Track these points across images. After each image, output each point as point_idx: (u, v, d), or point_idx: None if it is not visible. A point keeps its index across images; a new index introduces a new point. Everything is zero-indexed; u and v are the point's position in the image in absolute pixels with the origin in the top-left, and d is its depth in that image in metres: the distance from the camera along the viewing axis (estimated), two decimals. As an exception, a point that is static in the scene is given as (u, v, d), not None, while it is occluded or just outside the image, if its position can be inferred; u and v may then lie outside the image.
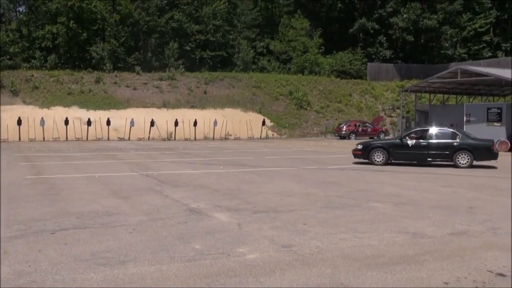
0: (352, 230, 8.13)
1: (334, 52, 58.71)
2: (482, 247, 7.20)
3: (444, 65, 52.73)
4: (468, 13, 58.68)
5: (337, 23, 62.30)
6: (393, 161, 19.58)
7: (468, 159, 18.56)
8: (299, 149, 29.07)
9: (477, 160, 18.74)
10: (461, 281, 5.76)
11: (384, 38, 59.66)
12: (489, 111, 28.20)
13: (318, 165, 19.02)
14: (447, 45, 60.73)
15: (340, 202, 10.84)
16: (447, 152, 18.83)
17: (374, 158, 19.41)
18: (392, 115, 49.58)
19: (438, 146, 18.96)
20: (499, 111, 27.78)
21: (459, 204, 10.69)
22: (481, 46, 60.54)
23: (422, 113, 33.83)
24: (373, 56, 59.47)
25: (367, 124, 42.35)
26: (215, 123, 40.16)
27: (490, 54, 59.38)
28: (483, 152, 18.76)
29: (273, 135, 43.03)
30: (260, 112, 45.16)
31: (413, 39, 59.02)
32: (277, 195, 11.64)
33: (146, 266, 6.26)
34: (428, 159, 19.21)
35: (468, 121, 29.02)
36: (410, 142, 19.22)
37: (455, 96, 38.93)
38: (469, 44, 61.46)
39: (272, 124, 44.42)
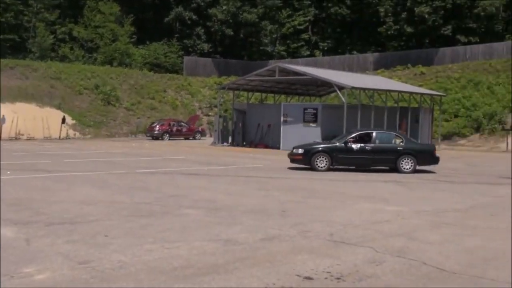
0: (160, 240, 8.21)
1: (148, 42, 58.49)
2: (292, 252, 7.80)
3: (264, 62, 55.74)
4: (287, 9, 62.85)
5: (151, 10, 62.11)
6: (336, 166, 19.79)
7: (412, 164, 19.52)
8: (106, 151, 28.41)
9: (420, 164, 19.74)
10: (269, 288, 6.18)
11: (202, 30, 61.07)
12: (305, 111, 30.53)
13: (126, 169, 18.80)
14: (266, 41, 64.30)
15: (148, 209, 10.87)
16: (391, 157, 19.64)
17: (316, 164, 19.46)
18: (210, 113, 50.95)
19: (382, 151, 19.69)
20: (315, 111, 30.23)
21: (272, 208, 11.42)
22: (300, 44, 65.29)
23: (240, 112, 35.35)
24: (190, 49, 60.49)
25: (182, 123, 42.97)
26: (3, 119, 37.34)
27: (308, 52, 64.33)
28: (425, 157, 19.96)
29: (75, 134, 41.36)
30: (59, 108, 43.06)
31: (232, 33, 61.34)
32: (76, 204, 11.27)
33: None
34: (373, 164, 19.95)
35: (285, 121, 31.09)
36: (355, 146, 19.61)
37: (273, 95, 41.39)
38: (288, 42, 65.84)
39: (74, 122, 42.66)
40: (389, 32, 53.68)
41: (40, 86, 45.08)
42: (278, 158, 25.26)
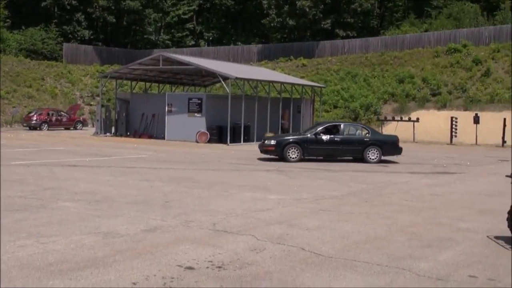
0: (35, 235, 7.86)
1: (23, 27, 55.28)
2: (174, 242, 7.76)
3: (148, 51, 54.78)
4: (172, -3, 62.17)
5: (26, -7, 58.77)
6: (307, 157, 20.12)
7: (378, 154, 20.25)
8: (-23, 141, 26.60)
9: (384, 155, 20.50)
10: (150, 279, 6.11)
11: (83, 16, 58.76)
12: (190, 101, 30.40)
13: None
14: (150, 29, 63.21)
15: (23, 203, 10.34)
16: (359, 148, 20.25)
17: (289, 155, 19.80)
18: (92, 103, 49.29)
19: (350, 142, 20.26)
20: (199, 101, 30.19)
21: (155, 199, 11.30)
22: (185, 33, 64.89)
23: (123, 101, 34.49)
24: (70, 36, 58.02)
25: (62, 113, 41.26)
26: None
27: (193, 42, 64.09)
28: (390, 147, 20.69)
29: None
30: None
31: (115, 20, 59.64)
32: None
33: None
34: (341, 154, 20.41)
35: (170, 111, 30.79)
36: (325, 137, 20.02)
37: (158, 84, 40.82)
38: (173, 31, 65.17)
39: None
40: (272, 24, 54.72)
41: None
42: (163, 149, 25.01)
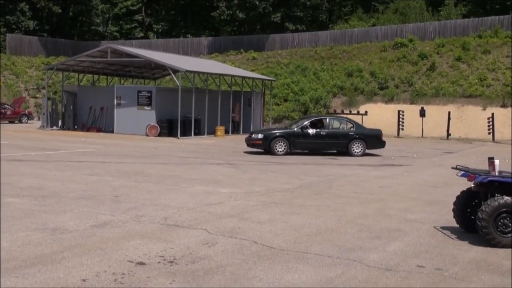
0: (-22, 232, 7.59)
1: (-37, 17, 53.36)
2: (124, 237, 7.65)
3: (96, 43, 53.75)
4: (119, -12, 61.06)
5: (-34, -18, 56.63)
6: (293, 150, 20.41)
7: (362, 148, 20.64)
8: None
9: (369, 148, 20.87)
10: (100, 276, 6.00)
11: (27, 7, 57.05)
12: (139, 94, 29.99)
13: None
14: (98, 21, 61.95)
15: (-35, 199, 9.98)
16: (344, 141, 20.59)
17: (276, 148, 20.09)
18: (37, 95, 47.99)
19: (336, 135, 20.58)
20: (149, 94, 29.82)
21: (105, 193, 11.10)
22: (133, 25, 63.87)
23: (70, 94, 33.71)
24: (13, 26, 56.24)
25: (7, 106, 40.04)
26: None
27: (142, 34, 63.17)
28: (374, 141, 21.10)
29: None
30: None
31: (60, 10, 58.19)
32: None
33: None
34: (327, 148, 20.68)
35: (118, 104, 30.30)
36: (311, 131, 20.30)
37: (106, 77, 40.08)
38: (121, 22, 64.05)
39: None
40: (222, 17, 54.48)
41: None
42: (112, 142, 24.61)
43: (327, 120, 21.57)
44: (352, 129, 21.32)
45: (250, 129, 34.33)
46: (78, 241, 7.36)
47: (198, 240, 7.60)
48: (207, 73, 33.27)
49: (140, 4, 63.61)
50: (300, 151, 21.25)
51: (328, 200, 11.13)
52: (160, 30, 63.46)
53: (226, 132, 31.99)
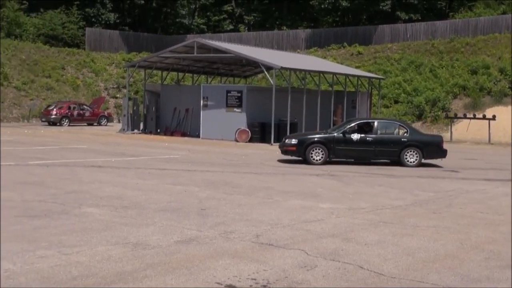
0: (56, 245, 8.01)
1: (42, 10, 56.59)
2: (212, 256, 7.79)
3: (181, 37, 55.30)
4: (207, -24, 62.62)
5: (45, -28, 60.19)
6: (333, 159, 20.23)
7: (417, 157, 20.23)
8: (-9, 138, 27.37)
9: (426, 158, 20.50)
10: (186, 298, 6.15)
11: (108, -2, 59.80)
12: (228, 94, 30.52)
13: (16, 161, 18.17)
14: (183, 12, 63.76)
15: (43, 208, 10.57)
16: (395, 149, 20.28)
17: (312, 156, 19.89)
18: (117, 95, 50.11)
19: (385, 142, 20.31)
20: (239, 94, 30.27)
21: (190, 205, 11.38)
22: (222, 17, 65.20)
23: (153, 94, 34.90)
24: (93, 20, 59.05)
25: (85, 106, 42.03)
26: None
27: (232, 27, 64.35)
28: (433, 149, 20.71)
29: (-47, 118, 39.60)
30: None
31: (143, 2, 60.44)
32: (-46, 203, 10.79)
33: None
34: (374, 156, 20.52)
35: (205, 105, 30.99)
36: (356, 137, 20.10)
37: (191, 75, 41.15)
38: (208, 14, 65.58)
39: (-48, 103, 40.84)
40: (322, 6, 54.46)
41: None
42: (197, 148, 25.21)
43: (375, 123, 21.03)
44: (405, 134, 20.81)
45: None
46: (162, 258, 7.58)
47: (295, 262, 7.61)
48: (305, 70, 33.31)
49: (229, -7, 64.88)
50: (344, 159, 20.77)
51: (448, 221, 10.81)
52: (252, 22, 64.36)
53: (326, 138, 31.84)
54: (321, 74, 34.16)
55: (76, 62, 52.09)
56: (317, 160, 20.02)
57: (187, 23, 64.73)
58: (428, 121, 38.11)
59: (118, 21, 60.41)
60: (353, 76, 36.86)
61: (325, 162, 20.06)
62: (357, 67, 43.82)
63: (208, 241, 8.57)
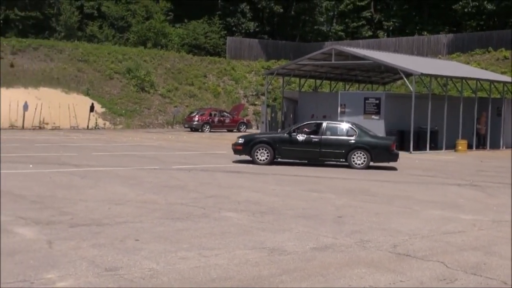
0: (196, 247, 8.28)
1: (186, 20, 59.01)
2: (348, 264, 7.74)
3: (319, 44, 55.53)
4: (346, -18, 62.42)
5: (190, -16, 62.69)
6: (279, 159, 20.44)
7: (365, 159, 19.99)
8: (138, 143, 28.85)
9: (375, 161, 20.25)
10: (321, 305, 6.15)
11: (248, 7, 61.21)
12: (366, 101, 30.20)
13: (161, 165, 19.04)
14: (322, 19, 63.95)
15: (184, 211, 10.97)
16: (341, 151, 20.12)
17: (257, 156, 20.08)
18: (256, 102, 51.12)
19: (331, 144, 20.16)
20: (377, 101, 29.87)
21: (326, 212, 11.37)
22: (361, 23, 64.71)
23: (291, 101, 35.32)
24: (234, 29, 60.74)
25: (225, 113, 43.22)
26: (25, 107, 38.36)
27: (370, 33, 63.70)
28: (381, 152, 20.35)
29: (104, 124, 42.18)
30: (87, 94, 44.01)
31: (282, 10, 61.29)
32: (104, 203, 11.48)
33: None
34: (320, 158, 20.41)
35: (343, 112, 30.85)
36: (301, 137, 20.14)
37: (329, 82, 41.18)
38: (347, 20, 65.33)
39: (103, 110, 43.52)
40: (466, 10, 52.59)
41: (66, 69, 46.11)
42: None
43: (324, 125, 20.38)
44: (353, 136, 19.85)
45: (500, 144, 32.62)
46: (298, 265, 7.63)
47: (434, 275, 7.39)
48: (447, 77, 32.30)
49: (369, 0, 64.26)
50: (290, 160, 20.23)
51: None
52: (391, 28, 63.35)
53: (469, 147, 30.70)
54: (464, 81, 32.95)
55: (217, 70, 53.75)
56: (262, 160, 19.81)
57: (325, 30, 64.87)
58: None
59: (257, 29, 61.68)
60: (499, 82, 35.22)
61: (271, 163, 19.78)
62: (503, 73, 41.83)
63: (344, 249, 8.53)
